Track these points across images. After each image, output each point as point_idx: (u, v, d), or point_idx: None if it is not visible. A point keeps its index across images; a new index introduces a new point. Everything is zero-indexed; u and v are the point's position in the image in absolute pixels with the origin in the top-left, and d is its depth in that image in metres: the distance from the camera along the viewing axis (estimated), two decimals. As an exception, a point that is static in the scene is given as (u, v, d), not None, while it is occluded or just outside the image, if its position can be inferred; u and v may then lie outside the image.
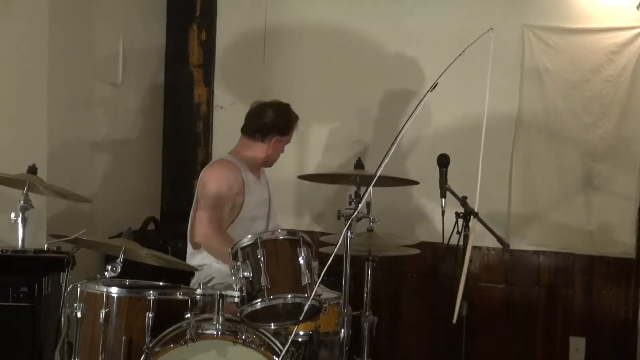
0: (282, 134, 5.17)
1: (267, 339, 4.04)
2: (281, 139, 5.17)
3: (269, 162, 5.25)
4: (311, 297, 3.88)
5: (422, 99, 4.02)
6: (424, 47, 6.33)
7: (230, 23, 6.86)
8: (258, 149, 5.16)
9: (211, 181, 4.98)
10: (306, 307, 3.86)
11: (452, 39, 5.97)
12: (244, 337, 3.85)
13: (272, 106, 5.20)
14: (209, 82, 6.82)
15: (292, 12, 6.69)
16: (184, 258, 5.12)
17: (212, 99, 6.83)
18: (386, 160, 3.91)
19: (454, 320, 4.32)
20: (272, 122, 5.14)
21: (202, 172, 5.17)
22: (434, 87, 4.07)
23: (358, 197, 4.41)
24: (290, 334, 3.96)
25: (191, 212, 5.10)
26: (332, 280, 4.37)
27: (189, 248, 5.09)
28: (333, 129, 6.58)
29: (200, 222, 4.88)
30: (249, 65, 6.78)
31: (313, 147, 6.49)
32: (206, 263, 4.96)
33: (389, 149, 3.92)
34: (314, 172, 6.03)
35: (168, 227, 6.58)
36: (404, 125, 4.00)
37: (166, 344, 3.87)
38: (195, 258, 5.03)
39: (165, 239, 6.20)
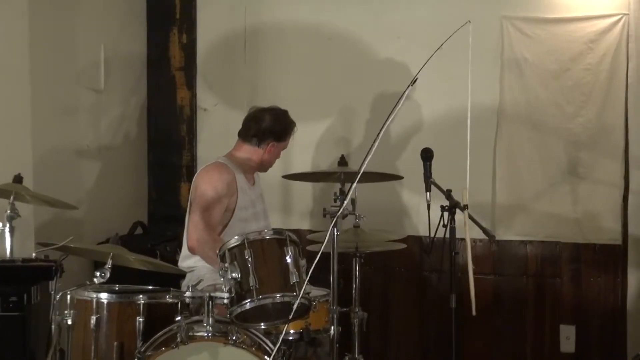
0: (279, 140, 5.20)
1: (258, 339, 4.06)
2: (277, 144, 5.20)
3: (264, 166, 5.29)
4: (300, 296, 3.89)
5: (402, 94, 4.03)
6: (404, 42, 6.35)
7: (211, 25, 6.87)
8: (254, 153, 5.19)
9: (204, 184, 4.99)
10: (295, 306, 3.87)
11: (431, 33, 5.93)
12: (234, 337, 3.87)
13: (269, 112, 5.22)
14: (191, 84, 6.83)
15: (271, 11, 6.70)
16: (172, 261, 5.13)
17: (195, 101, 6.85)
18: (369, 157, 3.92)
19: (474, 313, 4.33)
20: (269, 128, 5.16)
21: (196, 174, 5.18)
22: (413, 82, 4.09)
23: (343, 194, 4.44)
24: (281, 333, 3.96)
25: (186, 215, 5.11)
26: (321, 276, 4.37)
27: (184, 250, 5.08)
28: (317, 127, 6.59)
29: (193, 227, 4.87)
30: (231, 66, 6.79)
31: (298, 146, 6.46)
32: (197, 265, 4.97)
33: (372, 145, 3.93)
34: (298, 172, 6.04)
35: (156, 231, 6.60)
36: (386, 121, 4.01)
37: (157, 347, 3.89)
38: (187, 260, 5.04)
39: (154, 243, 6.20)
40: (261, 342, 4.05)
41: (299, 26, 6.63)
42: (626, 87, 5.91)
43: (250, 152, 5.19)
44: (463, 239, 4.51)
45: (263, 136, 5.17)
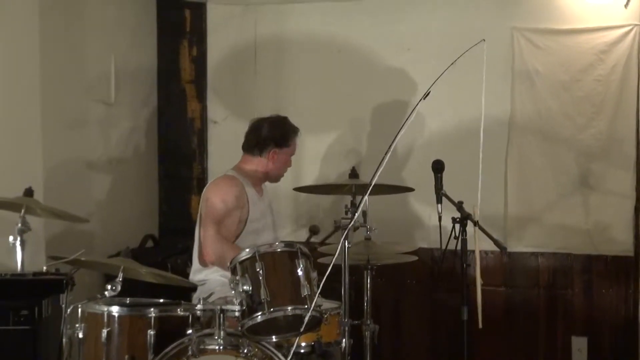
0: (279, 146, 5.16)
1: (269, 352, 4.03)
2: (279, 151, 5.16)
3: (272, 176, 5.24)
4: (311, 308, 3.88)
5: (414, 108, 4.03)
6: (415, 55, 6.36)
7: (221, 37, 6.88)
8: (259, 164, 5.16)
9: (213, 197, 4.97)
10: (307, 319, 3.86)
11: (442, 45, 6.03)
12: (246, 350, 3.86)
13: (267, 120, 5.22)
14: (202, 97, 6.85)
15: (281, 23, 6.72)
16: (183, 274, 5.12)
17: (206, 114, 6.85)
18: (381, 169, 3.91)
19: (480, 325, 4.34)
20: (267, 135, 5.15)
21: (205, 188, 5.17)
22: (426, 95, 4.07)
23: (354, 206, 4.43)
24: (292, 345, 3.96)
25: (197, 229, 5.09)
26: (333, 287, 4.36)
27: (195, 264, 5.07)
28: (327, 139, 6.61)
29: (211, 242, 4.85)
30: (241, 79, 6.80)
31: (308, 158, 6.50)
32: (209, 279, 4.97)
33: (383, 157, 3.92)
34: (309, 184, 6.04)
35: (167, 244, 6.59)
36: (397, 134, 4.01)
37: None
38: (198, 274, 5.03)
39: (165, 256, 6.19)
40: (273, 355, 4.02)
41: (309, 38, 6.64)
42: (637, 98, 5.90)
43: (255, 163, 5.17)
44: (474, 251, 4.52)
45: (264, 144, 5.15)
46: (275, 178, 5.29)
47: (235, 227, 4.96)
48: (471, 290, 4.50)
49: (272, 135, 5.15)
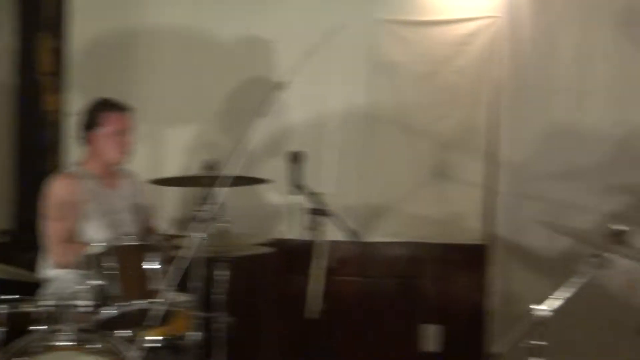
0: (91, 128, 5.11)
1: (119, 347, 4.00)
2: (96, 131, 5.10)
3: (108, 160, 5.15)
4: (163, 302, 3.87)
5: (266, 99, 4.05)
6: (278, 45, 6.34)
7: (82, 29, 6.74)
8: (89, 154, 5.14)
9: (49, 195, 4.94)
10: (158, 312, 3.85)
11: (305, 37, 6.01)
12: (94, 345, 3.83)
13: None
14: (60, 89, 6.71)
15: (145, 16, 6.64)
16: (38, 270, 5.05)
17: (64, 106, 6.72)
18: (236, 160, 3.93)
19: (315, 315, 4.37)
20: (80, 123, 5.16)
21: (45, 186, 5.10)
22: (279, 86, 4.11)
23: (210, 198, 4.42)
24: (143, 339, 3.94)
25: (41, 227, 5.04)
26: (187, 282, 4.35)
27: (44, 260, 5.02)
28: (190, 131, 6.56)
29: (52, 243, 4.84)
30: (103, 70, 6.68)
31: (170, 150, 6.45)
32: (59, 274, 4.89)
33: (237, 148, 3.94)
34: (169, 176, 6.00)
35: (21, 239, 6.47)
36: (252, 124, 4.02)
37: (13, 357, 3.80)
38: (48, 270, 4.97)
39: (21, 250, 6.07)
40: (123, 350, 3.99)
41: (173, 29, 6.58)
42: (495, 90, 5.99)
43: (90, 154, 5.14)
44: (330, 241, 4.57)
45: (81, 133, 5.15)
46: (114, 161, 5.19)
47: (76, 222, 4.90)
48: (327, 281, 4.54)
49: (82, 122, 5.15)
